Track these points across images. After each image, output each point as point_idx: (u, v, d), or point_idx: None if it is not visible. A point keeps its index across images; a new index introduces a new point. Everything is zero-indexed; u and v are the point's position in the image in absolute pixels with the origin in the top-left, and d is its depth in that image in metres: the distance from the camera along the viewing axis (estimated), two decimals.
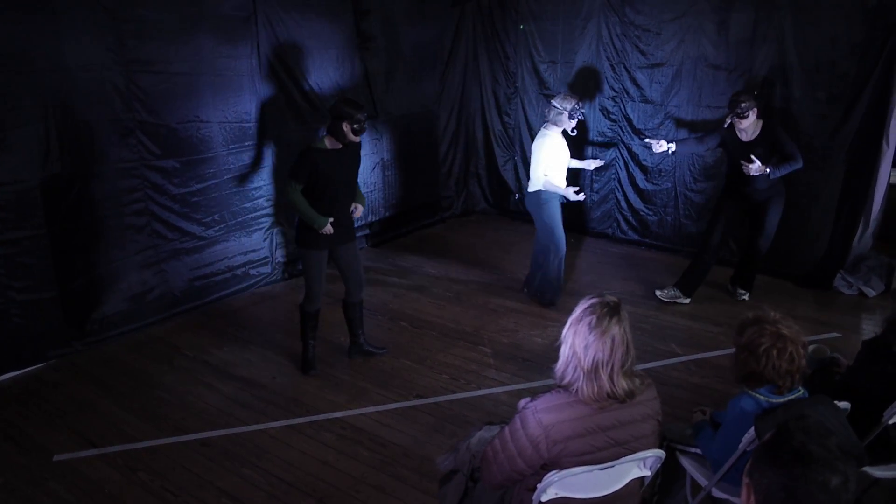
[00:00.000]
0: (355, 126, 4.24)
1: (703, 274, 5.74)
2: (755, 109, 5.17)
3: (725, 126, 5.32)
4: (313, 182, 4.30)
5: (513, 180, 7.87)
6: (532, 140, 7.55)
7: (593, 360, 2.21)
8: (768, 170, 5.08)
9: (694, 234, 6.58)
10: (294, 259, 6.25)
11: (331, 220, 4.32)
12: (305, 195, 4.32)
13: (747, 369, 2.59)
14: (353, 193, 4.56)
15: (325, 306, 5.12)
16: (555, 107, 5.23)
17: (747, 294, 5.80)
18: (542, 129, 5.39)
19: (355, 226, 4.75)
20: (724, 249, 6.15)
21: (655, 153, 5.69)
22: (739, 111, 5.10)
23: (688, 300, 5.78)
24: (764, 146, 5.17)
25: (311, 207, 4.31)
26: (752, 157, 5.07)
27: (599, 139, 7.17)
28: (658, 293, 5.82)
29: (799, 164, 5.15)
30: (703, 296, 5.85)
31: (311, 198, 4.34)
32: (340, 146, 4.34)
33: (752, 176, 5.16)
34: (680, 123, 6.58)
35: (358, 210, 4.56)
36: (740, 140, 5.27)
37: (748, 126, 5.21)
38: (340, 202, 4.43)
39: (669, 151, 5.61)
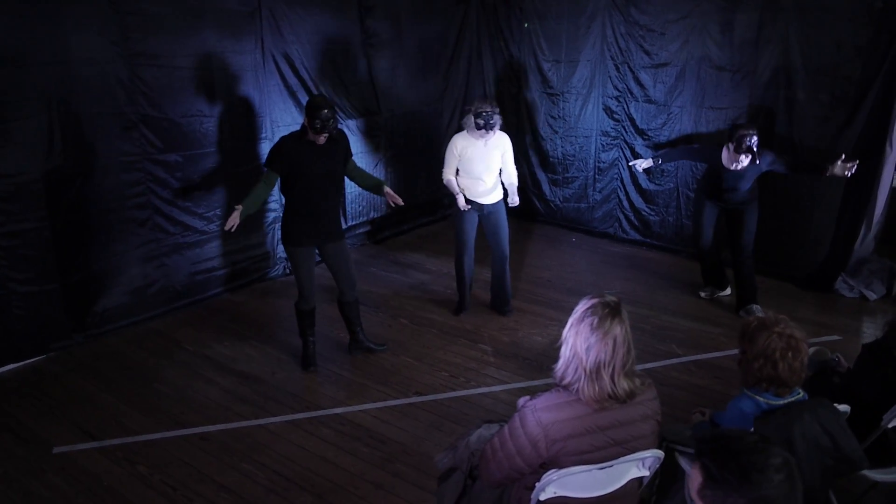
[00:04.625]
0: (316, 124, 4.18)
1: (716, 267, 5.81)
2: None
3: (728, 155, 5.16)
4: (287, 172, 4.30)
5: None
6: (533, 139, 7.63)
7: (595, 361, 2.21)
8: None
9: (692, 236, 6.57)
10: None
11: (238, 207, 4.23)
12: (282, 187, 4.38)
13: (762, 375, 2.58)
14: (338, 189, 4.53)
15: (326, 302, 5.13)
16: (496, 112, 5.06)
17: (758, 307, 5.44)
18: (501, 131, 5.15)
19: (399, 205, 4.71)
20: (721, 249, 6.08)
21: (640, 170, 5.82)
22: (748, 148, 4.93)
23: (727, 291, 5.87)
24: (754, 171, 5.13)
25: (288, 203, 4.38)
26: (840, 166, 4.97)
27: (602, 139, 7.16)
28: (701, 294, 5.92)
29: (792, 163, 5.26)
30: (704, 297, 5.88)
31: (285, 189, 4.37)
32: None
33: (733, 188, 5.19)
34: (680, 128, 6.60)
35: (390, 194, 4.62)
36: (729, 168, 5.17)
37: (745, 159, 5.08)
38: (317, 197, 4.38)
39: (659, 162, 5.72)
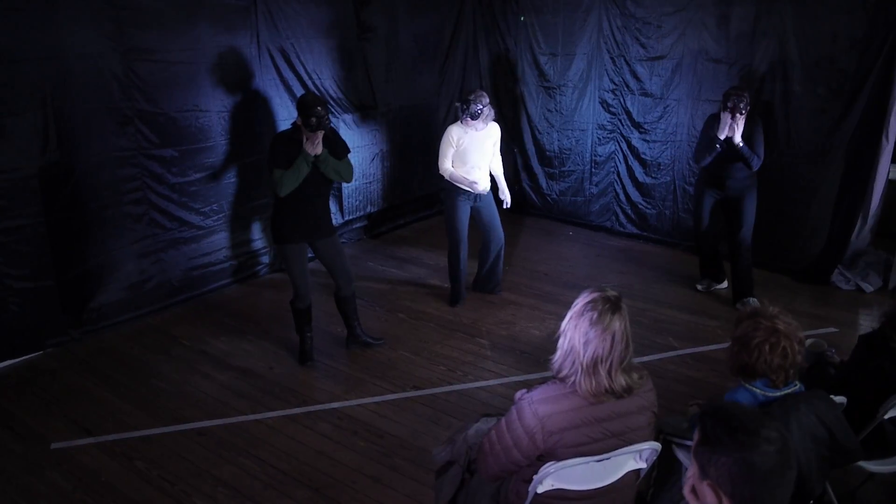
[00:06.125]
0: (312, 122, 4.15)
1: (713, 259, 5.83)
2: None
3: (720, 118, 5.20)
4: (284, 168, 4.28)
5: (511, 173, 7.85)
6: (529, 133, 7.62)
7: (592, 356, 2.20)
8: (740, 142, 5.01)
9: (692, 227, 6.58)
10: None
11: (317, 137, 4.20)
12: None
13: (740, 361, 2.59)
14: (329, 186, 4.52)
15: (324, 296, 5.13)
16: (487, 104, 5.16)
17: (755, 300, 5.46)
18: (493, 122, 5.27)
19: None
20: (720, 241, 6.09)
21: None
22: (742, 110, 4.98)
23: (724, 284, 5.88)
24: (744, 137, 5.12)
25: (279, 200, 4.33)
26: (736, 127, 4.98)
27: (599, 132, 7.16)
28: (698, 286, 5.91)
29: (757, 165, 5.15)
30: (701, 290, 5.88)
31: None
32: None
33: (731, 167, 5.17)
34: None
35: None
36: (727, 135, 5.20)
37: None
38: (309, 193, 4.35)
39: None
